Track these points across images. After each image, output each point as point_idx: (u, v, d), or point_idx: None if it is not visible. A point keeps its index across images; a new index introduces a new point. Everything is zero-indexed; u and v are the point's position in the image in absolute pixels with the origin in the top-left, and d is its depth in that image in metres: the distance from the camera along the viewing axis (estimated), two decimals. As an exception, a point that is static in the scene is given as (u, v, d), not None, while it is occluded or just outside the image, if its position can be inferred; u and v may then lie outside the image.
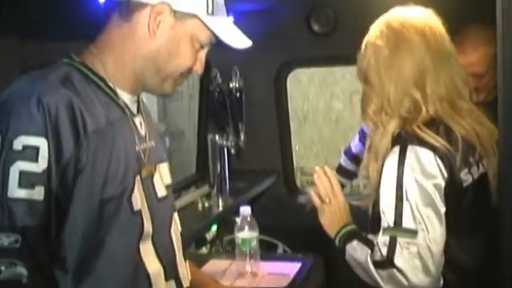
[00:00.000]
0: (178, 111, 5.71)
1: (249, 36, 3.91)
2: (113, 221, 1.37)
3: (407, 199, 1.76)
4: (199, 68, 1.53)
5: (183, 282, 1.58)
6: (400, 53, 1.83)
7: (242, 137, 3.50)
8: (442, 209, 1.78)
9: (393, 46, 1.84)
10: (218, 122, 3.46)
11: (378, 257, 1.84)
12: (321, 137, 6.05)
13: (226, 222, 3.48)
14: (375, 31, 1.91)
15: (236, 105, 3.47)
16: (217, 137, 3.38)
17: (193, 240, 2.85)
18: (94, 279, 1.36)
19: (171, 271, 1.52)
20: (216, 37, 1.51)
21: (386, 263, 1.80)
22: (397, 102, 1.81)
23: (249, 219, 2.47)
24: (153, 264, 1.46)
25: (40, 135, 1.28)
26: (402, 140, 1.81)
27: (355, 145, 3.76)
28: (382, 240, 1.81)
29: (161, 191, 1.53)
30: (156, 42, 1.45)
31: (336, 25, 3.76)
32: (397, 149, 1.80)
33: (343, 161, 3.85)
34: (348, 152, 3.81)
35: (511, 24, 1.41)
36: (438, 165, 1.79)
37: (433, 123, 1.84)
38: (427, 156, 1.78)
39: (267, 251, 2.98)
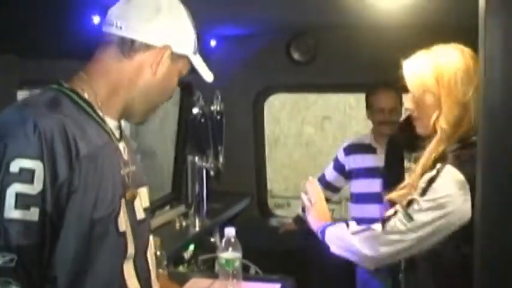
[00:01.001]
0: (150, 132, 5.75)
1: (231, 61, 4.00)
2: (101, 242, 1.41)
3: None
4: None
5: None
6: None
7: (221, 159, 3.56)
8: None
9: None
10: (198, 144, 3.52)
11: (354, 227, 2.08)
12: (291, 161, 6.17)
13: (202, 242, 3.54)
14: None
15: (217, 128, 3.54)
16: (196, 159, 3.43)
17: (172, 258, 2.90)
18: None
19: None
20: (197, 73, 1.65)
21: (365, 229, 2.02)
22: None
23: (232, 240, 2.52)
24: (133, 285, 1.51)
25: (36, 159, 1.32)
26: None
27: (329, 173, 3.86)
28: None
29: (140, 214, 1.58)
30: (155, 79, 1.54)
31: (316, 54, 3.88)
32: None
33: None
34: (322, 180, 3.91)
35: (494, 68, 1.48)
36: None
37: None
38: None
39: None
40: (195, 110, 3.45)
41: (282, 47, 3.91)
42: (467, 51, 1.97)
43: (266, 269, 3.31)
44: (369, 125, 3.72)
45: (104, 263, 1.43)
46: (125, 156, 1.57)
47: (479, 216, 1.47)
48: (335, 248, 2.13)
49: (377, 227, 1.99)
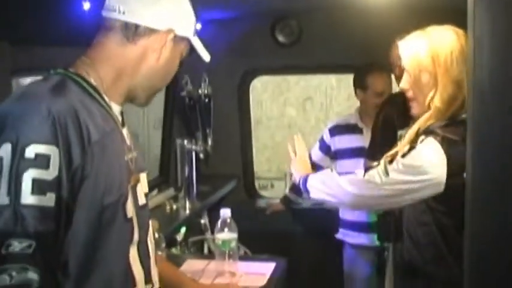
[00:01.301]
0: (132, 115, 5.75)
1: (216, 44, 4.02)
2: (110, 228, 1.42)
3: None
4: None
5: (155, 285, 1.64)
6: None
7: (210, 142, 3.59)
8: None
9: None
10: (187, 127, 3.55)
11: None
12: (274, 143, 6.21)
13: (192, 225, 3.58)
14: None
15: (205, 111, 3.57)
16: (185, 142, 3.46)
17: (166, 241, 2.93)
18: (92, 284, 1.41)
19: (148, 276, 1.57)
20: (197, 54, 1.66)
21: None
22: None
23: (228, 220, 2.56)
24: (137, 270, 1.52)
25: (51, 144, 1.32)
26: None
27: (315, 153, 3.90)
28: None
29: (142, 199, 1.58)
30: (158, 65, 1.55)
31: (300, 36, 3.92)
32: None
33: None
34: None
35: (483, 50, 1.52)
36: None
37: None
38: None
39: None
40: (184, 94, 3.47)
41: (266, 30, 3.94)
42: (460, 32, 2.02)
43: (255, 250, 3.36)
44: (351, 105, 3.77)
45: (112, 248, 1.44)
46: (128, 142, 1.57)
47: (470, 194, 1.53)
48: (316, 192, 2.26)
49: (360, 172, 2.13)
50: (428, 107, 2.05)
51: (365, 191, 2.08)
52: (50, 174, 1.31)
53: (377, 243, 3.45)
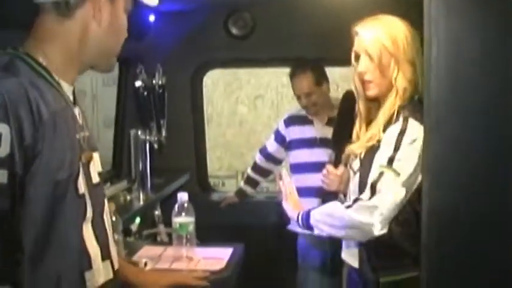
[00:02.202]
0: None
1: (171, 36, 3.99)
2: (63, 204, 1.43)
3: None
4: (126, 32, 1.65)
5: (114, 263, 1.66)
6: None
7: (164, 132, 3.57)
8: None
9: None
10: (141, 118, 3.51)
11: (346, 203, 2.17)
12: (225, 141, 6.21)
13: (146, 217, 3.54)
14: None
15: (159, 102, 3.54)
16: (139, 132, 3.42)
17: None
18: (46, 261, 1.41)
19: (106, 252, 1.59)
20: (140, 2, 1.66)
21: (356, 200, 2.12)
22: None
23: (185, 205, 2.55)
24: (92, 246, 1.53)
25: (2, 122, 1.32)
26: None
27: (270, 144, 3.95)
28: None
29: (95, 178, 1.59)
30: (102, 28, 1.54)
31: (253, 29, 3.93)
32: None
33: (259, 159, 4.04)
34: (263, 151, 4.00)
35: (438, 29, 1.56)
36: None
37: None
38: None
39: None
40: (138, 83, 3.44)
41: (220, 22, 3.94)
42: (404, 21, 2.19)
43: (207, 242, 3.36)
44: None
45: (66, 225, 1.44)
46: (80, 121, 1.57)
47: (426, 175, 1.57)
48: (327, 228, 2.18)
49: (365, 196, 2.09)
50: (390, 89, 2.15)
51: (385, 209, 2.05)
52: (2, 151, 1.32)
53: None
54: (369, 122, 2.25)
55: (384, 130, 2.13)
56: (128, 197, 3.38)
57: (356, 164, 2.24)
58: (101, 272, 1.55)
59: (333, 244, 3.57)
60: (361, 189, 2.15)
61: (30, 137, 1.35)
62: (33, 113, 1.36)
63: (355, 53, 2.21)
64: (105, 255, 1.58)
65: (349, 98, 2.66)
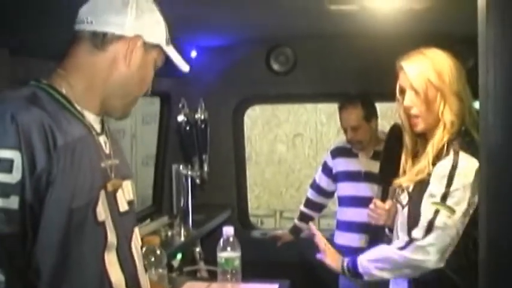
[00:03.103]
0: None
1: (212, 71, 4.00)
2: (80, 231, 1.45)
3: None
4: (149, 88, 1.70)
5: None
6: None
7: (206, 168, 3.54)
8: None
9: None
10: (184, 152, 3.49)
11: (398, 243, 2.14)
12: (263, 179, 6.17)
13: (187, 254, 3.49)
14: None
15: (201, 136, 3.53)
16: (181, 167, 3.40)
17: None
18: (65, 287, 1.43)
19: (132, 281, 1.60)
20: (171, 63, 1.70)
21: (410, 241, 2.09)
22: None
23: (231, 239, 2.50)
24: (116, 274, 1.54)
25: (14, 149, 1.36)
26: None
27: (319, 176, 3.89)
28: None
29: (123, 206, 1.61)
30: (129, 70, 1.59)
31: (295, 64, 3.92)
32: None
33: (310, 194, 3.96)
34: (313, 185, 3.93)
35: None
36: None
37: None
38: None
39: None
40: (180, 118, 3.43)
41: (261, 58, 3.94)
42: (449, 54, 2.17)
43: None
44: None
45: (84, 252, 1.46)
46: (106, 150, 1.61)
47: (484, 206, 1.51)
48: (378, 273, 2.17)
49: (418, 234, 2.07)
50: (436, 122, 2.12)
51: (440, 246, 2.05)
52: (13, 178, 1.36)
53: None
54: (414, 156, 2.23)
55: (433, 164, 2.10)
56: (169, 233, 3.35)
57: (404, 198, 2.20)
58: None
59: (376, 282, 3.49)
60: (410, 224, 2.11)
61: (43, 164, 1.38)
62: (47, 140, 1.40)
63: (400, 88, 2.20)
64: (131, 284, 1.59)
65: (395, 132, 2.62)
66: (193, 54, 3.81)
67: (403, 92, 2.18)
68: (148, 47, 1.60)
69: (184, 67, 1.71)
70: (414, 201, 2.13)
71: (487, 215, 1.52)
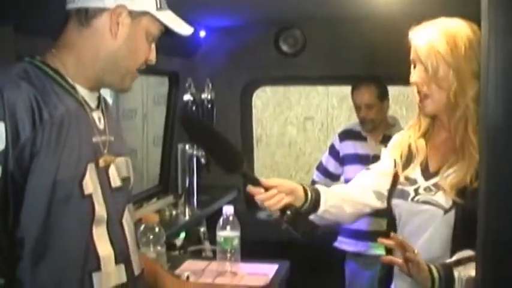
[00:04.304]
0: (131, 130, 5.70)
1: (220, 52, 3.99)
2: (65, 203, 1.47)
3: None
4: (153, 58, 1.66)
5: (134, 269, 1.66)
6: None
7: (211, 148, 3.53)
8: None
9: None
10: (189, 132, 3.48)
11: None
12: (273, 162, 6.16)
13: (191, 233, 3.50)
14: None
15: (207, 116, 3.53)
16: (187, 146, 3.40)
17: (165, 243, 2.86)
18: (48, 258, 1.46)
19: (121, 256, 1.60)
20: (166, 28, 1.64)
21: None
22: None
23: (231, 218, 2.50)
24: (104, 248, 1.55)
25: None
26: None
27: (325, 158, 3.88)
28: None
29: (115, 182, 1.62)
30: (117, 42, 1.57)
31: (304, 46, 3.89)
32: None
33: (316, 176, 3.96)
34: (320, 167, 3.93)
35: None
36: None
37: None
38: None
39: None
40: (187, 97, 3.43)
41: (270, 39, 3.92)
42: (472, 23, 1.85)
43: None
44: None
45: (69, 224, 1.48)
46: (100, 125, 1.61)
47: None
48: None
49: None
50: (448, 107, 1.85)
51: None
52: None
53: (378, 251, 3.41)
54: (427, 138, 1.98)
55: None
56: (174, 212, 3.36)
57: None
58: (111, 274, 1.56)
59: (383, 267, 3.48)
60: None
61: (27, 135, 1.42)
62: (33, 114, 1.43)
63: (412, 62, 1.93)
64: (121, 259, 1.60)
65: None
66: (202, 34, 3.80)
67: (414, 67, 1.91)
68: (135, 15, 1.57)
69: (183, 30, 1.64)
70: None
71: (486, 198, 1.51)
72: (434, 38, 1.85)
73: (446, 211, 1.84)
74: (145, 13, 1.59)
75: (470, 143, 1.83)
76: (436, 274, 1.75)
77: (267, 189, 1.93)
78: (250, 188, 1.95)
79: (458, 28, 1.86)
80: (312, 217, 2.04)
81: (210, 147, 2.02)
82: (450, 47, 1.82)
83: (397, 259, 1.77)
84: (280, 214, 1.95)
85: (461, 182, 1.82)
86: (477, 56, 1.75)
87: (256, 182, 1.94)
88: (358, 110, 3.65)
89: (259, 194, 1.93)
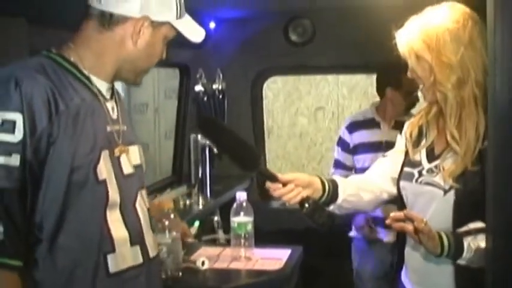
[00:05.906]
0: (142, 123, 5.76)
1: (230, 42, 4.01)
2: (80, 189, 1.55)
3: None
4: (164, 56, 1.75)
5: (149, 250, 1.72)
6: None
7: (223, 137, 3.56)
8: None
9: None
10: (201, 122, 3.52)
11: None
12: (285, 152, 6.19)
13: (205, 223, 3.55)
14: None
15: (218, 107, 3.57)
16: (199, 137, 3.44)
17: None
18: (64, 241, 1.55)
19: (136, 238, 1.68)
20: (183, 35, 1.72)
21: None
22: None
23: (244, 204, 2.54)
24: (119, 231, 1.63)
25: (17, 111, 1.48)
26: None
27: (336, 151, 3.82)
28: None
29: (128, 169, 1.69)
30: (137, 49, 1.65)
31: (313, 35, 3.92)
32: None
33: (338, 173, 3.88)
34: (337, 163, 3.84)
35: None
36: None
37: None
38: None
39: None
40: (198, 88, 3.47)
41: (279, 29, 3.95)
42: (459, 7, 1.91)
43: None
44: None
45: (84, 208, 1.56)
46: (113, 115, 1.69)
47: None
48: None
49: None
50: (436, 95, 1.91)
51: None
52: (15, 137, 1.48)
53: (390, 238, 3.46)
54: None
55: None
56: (188, 202, 3.40)
57: None
58: (126, 256, 1.64)
59: (391, 251, 3.52)
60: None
61: (44, 126, 1.49)
62: (50, 106, 1.51)
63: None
64: (136, 241, 1.67)
65: None
66: (212, 25, 3.83)
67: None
68: (156, 25, 1.65)
69: (196, 37, 1.74)
70: None
71: (494, 177, 1.53)
72: (412, 38, 1.91)
73: (445, 191, 1.89)
74: (165, 23, 1.67)
75: (464, 131, 1.88)
76: (446, 242, 1.80)
77: (284, 184, 2.00)
78: (268, 185, 2.01)
79: (438, 23, 1.89)
80: (331, 207, 2.10)
81: (229, 148, 2.06)
82: (427, 45, 1.87)
83: (408, 226, 1.80)
84: (299, 207, 2.00)
85: (457, 169, 1.87)
86: (451, 42, 1.83)
87: (274, 179, 2.01)
88: (408, 95, 3.53)
89: (277, 190, 1.99)
